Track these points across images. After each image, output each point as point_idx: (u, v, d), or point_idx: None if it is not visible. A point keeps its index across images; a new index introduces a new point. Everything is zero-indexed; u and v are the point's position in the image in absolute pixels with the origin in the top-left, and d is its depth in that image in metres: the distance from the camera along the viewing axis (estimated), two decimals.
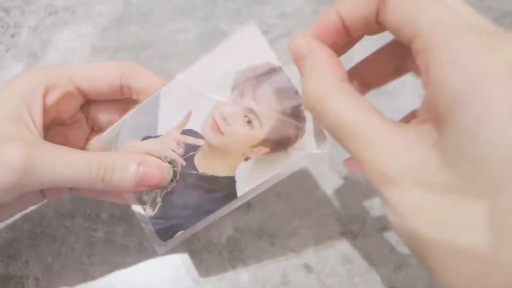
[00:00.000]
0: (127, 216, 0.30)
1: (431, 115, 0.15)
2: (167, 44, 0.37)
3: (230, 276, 0.28)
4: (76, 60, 0.36)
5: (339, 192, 0.31)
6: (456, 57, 0.14)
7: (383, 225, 0.30)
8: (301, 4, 0.39)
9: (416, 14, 0.16)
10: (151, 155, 0.23)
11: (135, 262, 0.29)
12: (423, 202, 0.15)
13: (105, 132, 0.24)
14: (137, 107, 0.23)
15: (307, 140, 0.21)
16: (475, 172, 0.13)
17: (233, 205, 0.23)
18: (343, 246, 0.29)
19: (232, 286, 0.28)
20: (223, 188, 0.23)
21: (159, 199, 0.23)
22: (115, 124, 0.24)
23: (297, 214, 0.30)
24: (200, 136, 0.23)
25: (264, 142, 0.22)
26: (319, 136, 0.21)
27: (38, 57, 0.37)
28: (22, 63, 0.36)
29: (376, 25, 0.18)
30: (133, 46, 0.37)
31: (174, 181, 0.23)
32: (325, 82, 0.18)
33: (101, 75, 0.24)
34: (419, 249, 0.15)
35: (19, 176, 0.20)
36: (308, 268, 0.29)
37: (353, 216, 0.30)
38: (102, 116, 0.26)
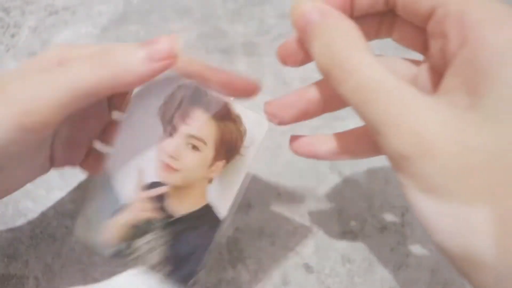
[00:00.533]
0: None
1: (462, 80, 0.15)
2: None
3: (230, 276, 0.28)
4: None
5: (339, 192, 0.31)
6: (497, 16, 0.14)
7: (383, 225, 0.30)
8: None
9: None
10: (128, 226, 0.23)
11: None
12: (468, 169, 0.13)
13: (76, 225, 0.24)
14: (90, 197, 0.23)
15: (252, 130, 0.21)
16: None
17: (223, 227, 0.23)
18: (343, 246, 0.29)
19: (232, 286, 0.28)
20: (205, 219, 0.22)
21: (161, 260, 0.23)
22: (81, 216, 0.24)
23: (297, 214, 0.30)
24: (160, 184, 0.22)
25: (217, 157, 0.22)
26: (260, 121, 0.21)
27: None
28: (22, 63, 0.36)
29: (382, 5, 0.18)
30: None
31: (165, 237, 0.23)
32: (347, 43, 0.17)
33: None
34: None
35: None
36: (308, 268, 0.29)
37: (353, 216, 0.30)
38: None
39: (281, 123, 0.21)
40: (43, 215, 0.30)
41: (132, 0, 0.40)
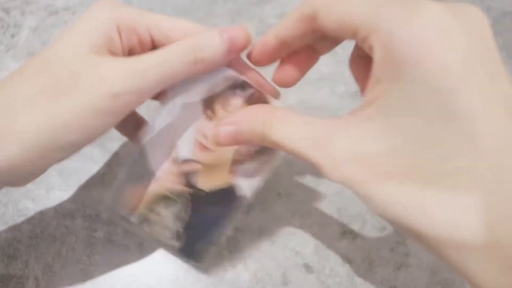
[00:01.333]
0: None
1: (379, 86, 0.17)
2: None
3: (230, 276, 0.28)
4: None
5: (339, 192, 0.31)
6: (404, 15, 0.16)
7: (383, 225, 0.30)
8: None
9: (356, 15, 0.17)
10: (158, 195, 0.24)
11: (135, 262, 0.29)
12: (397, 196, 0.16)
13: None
14: (129, 163, 0.24)
15: None
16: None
17: (243, 207, 0.24)
18: (343, 246, 0.29)
19: (232, 286, 0.28)
20: (228, 198, 0.24)
21: (181, 230, 0.25)
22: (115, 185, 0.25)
23: (297, 214, 0.30)
24: (193, 161, 0.24)
25: None
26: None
27: None
28: (22, 63, 0.36)
29: (311, 34, 0.20)
30: None
31: (189, 210, 0.24)
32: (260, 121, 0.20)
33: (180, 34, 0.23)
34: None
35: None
36: (308, 268, 0.29)
37: (353, 216, 0.30)
38: None
39: (260, 63, 0.23)
40: (43, 215, 0.30)
41: (132, 0, 0.40)
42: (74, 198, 0.31)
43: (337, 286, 0.28)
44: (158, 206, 0.24)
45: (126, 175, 0.24)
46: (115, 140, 0.33)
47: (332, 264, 0.29)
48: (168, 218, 0.24)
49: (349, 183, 0.17)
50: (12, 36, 0.38)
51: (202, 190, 0.24)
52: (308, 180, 0.32)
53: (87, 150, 0.33)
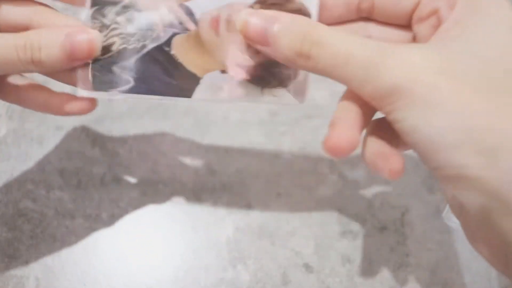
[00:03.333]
0: (128, 216, 0.30)
1: (450, 28, 0.17)
2: None
3: (230, 276, 0.28)
4: None
5: (339, 192, 0.31)
6: None
7: (383, 225, 0.30)
8: None
9: None
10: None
11: (135, 262, 0.29)
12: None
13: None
14: None
15: (285, 93, 0.21)
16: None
17: (177, 100, 0.22)
18: (343, 246, 0.29)
19: (232, 286, 0.28)
20: (183, 81, 0.21)
21: (114, 48, 0.21)
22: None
23: (297, 214, 0.30)
24: (194, 20, 0.21)
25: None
26: (299, 92, 0.21)
27: None
28: None
29: (354, 13, 0.19)
30: None
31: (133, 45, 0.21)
32: (311, 24, 0.18)
33: None
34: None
35: None
36: (308, 268, 0.29)
37: (353, 216, 0.30)
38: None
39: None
40: (43, 215, 0.30)
41: None
42: (74, 198, 0.31)
43: (337, 286, 0.28)
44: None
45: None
46: (115, 140, 0.33)
47: (332, 264, 0.29)
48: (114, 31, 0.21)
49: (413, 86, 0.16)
50: None
51: (169, 47, 0.21)
52: (308, 180, 0.32)
53: (87, 150, 0.33)
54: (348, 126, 0.18)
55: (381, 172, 0.18)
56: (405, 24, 0.20)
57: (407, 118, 0.16)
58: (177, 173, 0.32)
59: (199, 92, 0.21)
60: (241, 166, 0.32)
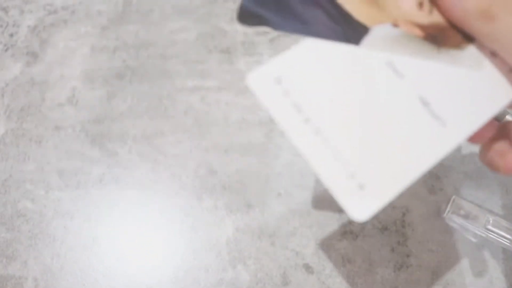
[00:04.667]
0: (127, 216, 0.30)
1: None
2: (167, 44, 0.37)
3: (230, 276, 0.28)
4: (76, 60, 0.36)
5: None
6: None
7: (383, 225, 0.30)
8: None
9: None
10: None
11: (135, 262, 0.29)
12: None
13: None
14: None
15: (464, 56, 0.19)
16: None
17: (343, 47, 0.19)
18: (343, 246, 0.29)
19: (232, 286, 0.28)
20: (350, 28, 0.20)
21: None
22: None
23: (297, 214, 0.30)
24: None
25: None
26: (476, 59, 0.19)
27: (37, 56, 0.37)
28: (21, 63, 0.36)
29: None
30: (132, 45, 0.37)
31: None
32: None
33: None
34: None
35: None
36: (308, 268, 0.29)
37: None
38: None
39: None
40: (43, 215, 0.30)
41: (131, 0, 0.39)
42: (74, 198, 0.31)
43: (338, 286, 0.28)
44: None
45: None
46: (115, 140, 0.33)
47: (333, 264, 0.29)
48: None
49: None
50: (11, 35, 0.38)
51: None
52: (308, 180, 0.32)
53: (87, 150, 0.33)
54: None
55: (496, 169, 0.18)
56: None
57: None
58: (177, 173, 0.32)
59: (367, 42, 0.20)
60: (241, 166, 0.32)
